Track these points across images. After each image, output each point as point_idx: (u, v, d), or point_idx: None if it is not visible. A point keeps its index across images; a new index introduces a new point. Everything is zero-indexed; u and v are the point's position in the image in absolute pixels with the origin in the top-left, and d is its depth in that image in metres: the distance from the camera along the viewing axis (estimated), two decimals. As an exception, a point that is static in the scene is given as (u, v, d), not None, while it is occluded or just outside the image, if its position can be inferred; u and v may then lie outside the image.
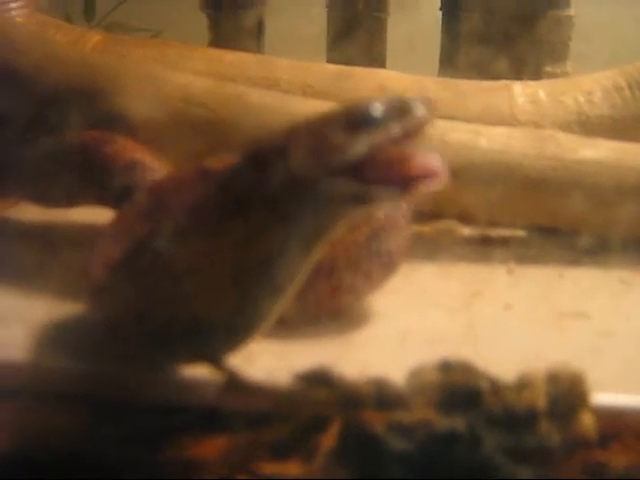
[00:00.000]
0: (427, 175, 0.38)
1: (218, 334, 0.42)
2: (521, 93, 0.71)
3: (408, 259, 0.57)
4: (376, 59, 0.95)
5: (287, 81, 0.73)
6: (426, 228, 0.66)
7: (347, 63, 0.93)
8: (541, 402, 0.41)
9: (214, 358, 0.42)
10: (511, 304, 0.56)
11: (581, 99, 0.71)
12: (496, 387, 0.41)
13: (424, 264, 0.60)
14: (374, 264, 0.51)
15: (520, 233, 0.68)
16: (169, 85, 0.64)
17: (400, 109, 0.39)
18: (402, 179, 0.38)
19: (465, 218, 0.66)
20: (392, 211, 0.52)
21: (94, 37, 0.77)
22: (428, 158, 0.38)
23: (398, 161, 0.38)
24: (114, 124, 0.62)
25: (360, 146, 0.38)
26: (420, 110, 0.39)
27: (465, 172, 0.63)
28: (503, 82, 0.73)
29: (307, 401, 0.40)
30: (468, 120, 0.69)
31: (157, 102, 0.63)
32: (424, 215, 0.64)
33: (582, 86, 0.72)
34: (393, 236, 0.52)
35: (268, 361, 0.43)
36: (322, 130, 0.39)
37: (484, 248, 0.65)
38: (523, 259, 0.63)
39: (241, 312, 0.41)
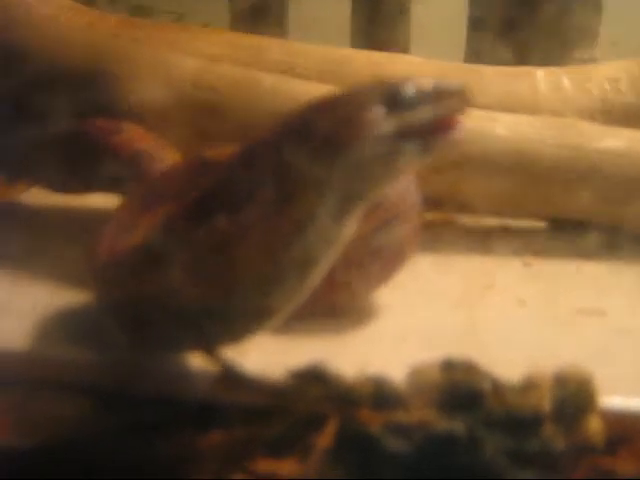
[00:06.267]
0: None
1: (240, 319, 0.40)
2: (544, 80, 0.69)
3: (418, 251, 0.55)
4: (400, 44, 0.93)
5: (305, 66, 0.71)
6: (439, 218, 0.64)
7: (370, 47, 0.92)
8: (546, 405, 0.39)
9: (215, 347, 0.41)
10: (525, 299, 0.54)
11: (606, 86, 0.68)
12: (499, 388, 0.39)
13: (436, 256, 0.59)
14: (381, 258, 0.49)
15: (540, 224, 0.66)
16: (180, 69, 0.62)
17: (436, 92, 0.39)
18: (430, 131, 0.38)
19: (480, 209, 0.64)
20: (400, 201, 0.50)
21: (110, 20, 0.75)
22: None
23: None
24: (124, 109, 0.61)
25: (392, 124, 0.38)
26: (456, 96, 0.39)
27: (480, 161, 0.61)
28: (526, 68, 0.70)
29: (302, 399, 0.39)
30: (490, 107, 0.67)
31: (167, 86, 0.61)
32: (435, 204, 0.63)
33: (608, 73, 0.69)
34: (401, 228, 0.50)
35: (265, 356, 0.42)
36: (356, 104, 0.38)
37: (500, 240, 0.63)
38: (540, 252, 0.61)
39: (269, 291, 0.39)
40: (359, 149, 0.37)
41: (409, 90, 0.38)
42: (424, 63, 0.70)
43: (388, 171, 0.39)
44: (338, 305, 0.50)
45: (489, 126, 0.62)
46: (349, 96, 0.39)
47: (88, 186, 0.60)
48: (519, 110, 0.68)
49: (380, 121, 0.38)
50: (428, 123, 0.38)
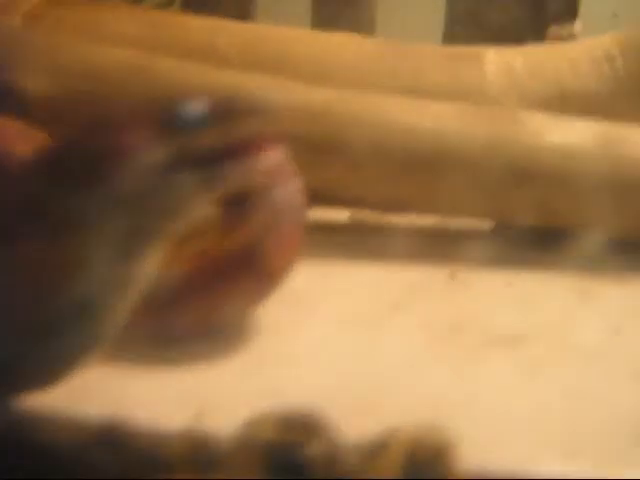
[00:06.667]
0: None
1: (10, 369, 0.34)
2: (493, 62, 0.61)
3: (325, 258, 0.49)
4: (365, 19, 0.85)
5: (228, 45, 0.64)
6: (360, 218, 0.57)
7: (332, 22, 0.85)
8: (393, 474, 0.33)
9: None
10: (432, 324, 0.46)
11: (564, 70, 0.60)
12: (335, 454, 0.33)
13: (346, 265, 0.52)
14: (248, 274, 0.43)
15: (484, 225, 0.58)
16: (69, 56, 0.56)
17: (224, 113, 0.33)
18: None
19: (403, 208, 0.56)
20: (276, 209, 0.43)
21: (31, -1, 0.70)
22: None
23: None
24: (9, 100, 0.55)
25: (163, 152, 0.32)
26: (255, 116, 0.33)
27: (404, 158, 0.54)
28: (475, 49, 0.62)
29: (98, 462, 0.33)
30: (431, 94, 0.60)
31: (54, 76, 0.55)
32: (355, 203, 0.56)
33: (568, 54, 0.61)
34: (274, 238, 0.43)
35: (78, 398, 0.36)
36: (117, 129, 0.33)
37: (430, 245, 0.55)
38: (472, 260, 0.53)
39: (42, 340, 0.34)
40: (120, 182, 0.31)
41: (186, 111, 0.32)
42: (349, 42, 0.62)
43: (169, 206, 0.32)
44: (210, 327, 0.43)
45: (414, 119, 0.54)
46: (112, 119, 0.33)
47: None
48: (464, 98, 0.60)
49: (146, 148, 0.31)
50: (214, 149, 0.32)
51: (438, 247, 0.55)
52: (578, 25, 0.77)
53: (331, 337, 0.44)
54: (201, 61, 0.62)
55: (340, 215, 0.59)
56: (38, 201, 0.33)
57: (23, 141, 0.51)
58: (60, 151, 0.34)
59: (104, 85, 0.55)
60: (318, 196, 0.57)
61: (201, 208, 0.33)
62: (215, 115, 0.32)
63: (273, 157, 0.33)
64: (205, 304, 0.42)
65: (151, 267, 0.33)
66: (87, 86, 0.55)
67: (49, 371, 0.33)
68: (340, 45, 0.63)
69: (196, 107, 0.32)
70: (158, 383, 0.39)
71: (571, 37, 0.76)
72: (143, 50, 0.62)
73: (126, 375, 0.39)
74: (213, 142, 0.32)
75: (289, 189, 0.44)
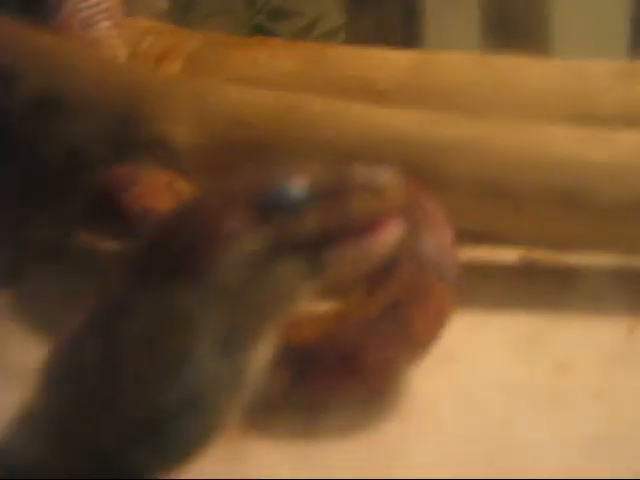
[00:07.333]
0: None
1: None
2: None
3: (490, 306, 0.46)
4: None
5: (386, 79, 0.61)
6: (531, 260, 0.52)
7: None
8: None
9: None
10: (600, 393, 0.40)
11: None
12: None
13: (505, 314, 0.47)
14: (393, 340, 0.39)
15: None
16: (218, 106, 0.55)
17: (336, 189, 0.29)
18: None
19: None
20: (423, 265, 0.40)
21: (192, 43, 0.70)
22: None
23: None
24: (160, 153, 0.55)
25: (265, 236, 0.29)
26: (363, 192, 0.29)
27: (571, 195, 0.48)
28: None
29: None
30: (604, 119, 0.54)
31: (204, 126, 0.54)
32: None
33: None
34: (421, 299, 0.39)
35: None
36: (212, 213, 0.30)
37: (612, 290, 0.49)
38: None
39: (152, 436, 0.31)
40: (219, 273, 0.28)
41: (286, 191, 0.28)
42: (514, 65, 0.57)
43: (274, 296, 0.29)
44: (352, 398, 0.40)
45: (581, 150, 0.48)
46: (206, 204, 0.30)
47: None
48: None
49: (244, 235, 0.28)
50: (321, 231, 0.28)
51: (616, 293, 0.49)
52: None
53: (485, 404, 0.40)
54: (359, 96, 0.60)
55: (509, 255, 0.55)
56: (134, 295, 0.31)
57: (168, 196, 0.50)
58: (154, 241, 0.31)
59: (254, 131, 0.53)
60: (485, 235, 0.53)
61: (309, 294, 0.30)
62: (320, 194, 0.28)
63: (392, 236, 0.29)
64: (346, 373, 0.39)
65: (262, 357, 0.31)
66: (236, 133, 0.54)
67: (159, 466, 0.32)
68: (505, 69, 0.59)
69: (297, 186, 0.28)
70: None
71: None
72: (300, 86, 0.61)
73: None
74: (319, 223, 0.29)
75: (437, 242, 0.41)
